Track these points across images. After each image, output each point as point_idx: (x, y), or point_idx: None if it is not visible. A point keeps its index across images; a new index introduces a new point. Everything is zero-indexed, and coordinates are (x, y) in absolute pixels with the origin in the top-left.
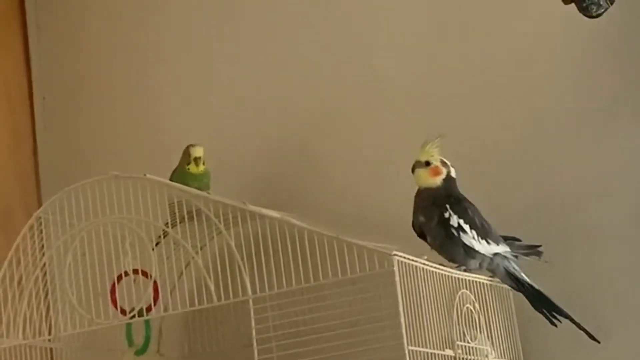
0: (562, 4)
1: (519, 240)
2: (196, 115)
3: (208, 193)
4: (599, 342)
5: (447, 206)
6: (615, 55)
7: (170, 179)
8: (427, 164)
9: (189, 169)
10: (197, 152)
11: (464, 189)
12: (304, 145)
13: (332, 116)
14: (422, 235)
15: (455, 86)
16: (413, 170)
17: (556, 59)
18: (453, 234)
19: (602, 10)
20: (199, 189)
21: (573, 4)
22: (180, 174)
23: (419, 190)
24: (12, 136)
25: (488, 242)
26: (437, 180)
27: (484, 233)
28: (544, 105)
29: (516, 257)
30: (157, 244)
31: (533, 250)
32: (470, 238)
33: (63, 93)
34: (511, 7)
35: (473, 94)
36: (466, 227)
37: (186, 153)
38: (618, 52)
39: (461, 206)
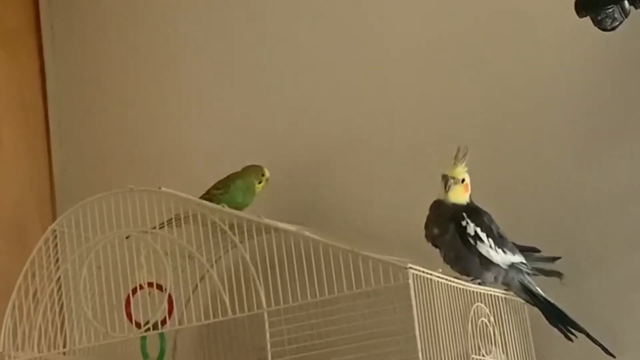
0: (576, 16)
1: (538, 250)
2: (211, 127)
3: (222, 206)
4: (614, 357)
5: (464, 215)
6: (630, 68)
7: (231, 185)
8: (462, 180)
9: (257, 188)
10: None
11: (480, 200)
12: (319, 159)
13: (347, 130)
14: (436, 246)
15: (471, 99)
16: (446, 186)
17: (571, 71)
18: (470, 242)
19: (617, 23)
20: (248, 204)
21: (587, 17)
22: (247, 186)
23: (438, 203)
24: (28, 149)
25: (504, 252)
26: (467, 197)
27: (501, 242)
28: (560, 117)
29: (536, 273)
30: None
31: (552, 262)
32: (487, 247)
33: (78, 107)
34: (525, 20)
35: (489, 106)
36: (483, 235)
37: (259, 172)
38: (633, 64)
39: (478, 215)
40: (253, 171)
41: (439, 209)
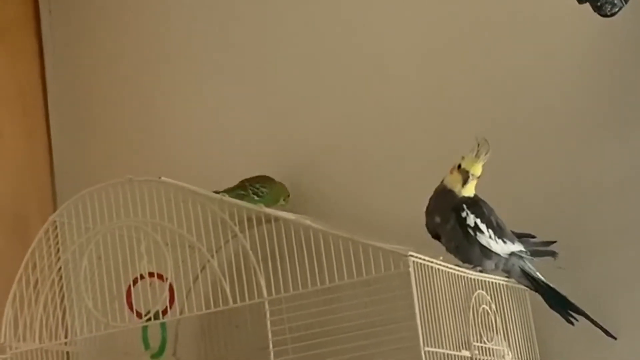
0: (576, 3)
1: (533, 236)
2: (211, 117)
3: (223, 196)
4: (615, 339)
5: (464, 206)
6: (630, 54)
7: (274, 188)
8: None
9: (284, 203)
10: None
11: (479, 189)
12: (319, 149)
13: (349, 120)
14: (436, 236)
15: (471, 89)
16: (465, 181)
17: (571, 57)
18: (470, 234)
19: (617, 9)
20: None
21: (587, 3)
22: (275, 200)
23: (447, 193)
24: (27, 140)
25: (504, 242)
26: (474, 189)
27: (500, 233)
28: (561, 105)
29: (531, 255)
30: None
31: (548, 247)
32: (487, 238)
33: (77, 98)
34: (525, 7)
35: (489, 95)
36: (482, 226)
37: (286, 194)
38: (633, 50)
39: (477, 206)
40: (283, 192)
41: (445, 198)
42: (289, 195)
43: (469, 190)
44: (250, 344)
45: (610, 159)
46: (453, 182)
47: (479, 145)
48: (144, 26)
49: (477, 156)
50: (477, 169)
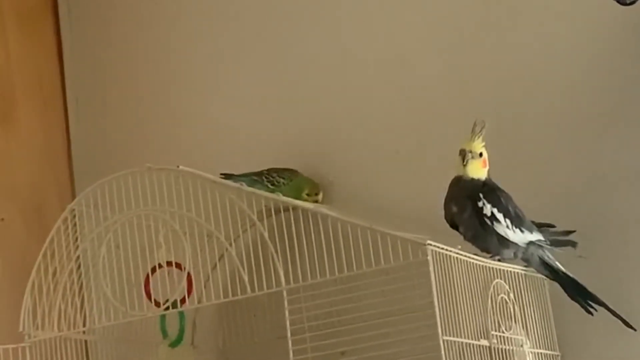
0: None
1: (553, 226)
2: (228, 106)
3: (241, 184)
4: (635, 330)
5: (481, 195)
6: None
7: (287, 180)
8: (480, 154)
9: (307, 197)
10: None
11: (498, 175)
12: (336, 138)
13: (364, 107)
14: (454, 226)
15: (488, 73)
16: (464, 160)
17: (590, 46)
18: (486, 223)
19: None
20: None
21: None
22: (298, 191)
23: (458, 180)
24: (46, 130)
25: (522, 231)
26: (485, 172)
27: (518, 222)
28: (578, 92)
29: (551, 245)
30: None
31: (567, 236)
32: (504, 227)
33: (95, 86)
34: None
35: (507, 81)
36: (499, 216)
37: (313, 189)
38: None
39: (494, 195)
40: (308, 184)
41: (458, 185)
42: (317, 193)
43: (474, 171)
44: (269, 333)
45: (630, 148)
46: (458, 167)
47: (475, 123)
48: (163, 15)
49: (472, 133)
50: (472, 146)
